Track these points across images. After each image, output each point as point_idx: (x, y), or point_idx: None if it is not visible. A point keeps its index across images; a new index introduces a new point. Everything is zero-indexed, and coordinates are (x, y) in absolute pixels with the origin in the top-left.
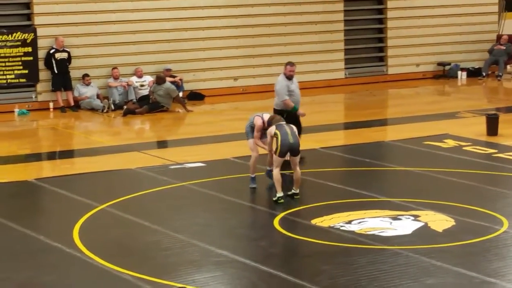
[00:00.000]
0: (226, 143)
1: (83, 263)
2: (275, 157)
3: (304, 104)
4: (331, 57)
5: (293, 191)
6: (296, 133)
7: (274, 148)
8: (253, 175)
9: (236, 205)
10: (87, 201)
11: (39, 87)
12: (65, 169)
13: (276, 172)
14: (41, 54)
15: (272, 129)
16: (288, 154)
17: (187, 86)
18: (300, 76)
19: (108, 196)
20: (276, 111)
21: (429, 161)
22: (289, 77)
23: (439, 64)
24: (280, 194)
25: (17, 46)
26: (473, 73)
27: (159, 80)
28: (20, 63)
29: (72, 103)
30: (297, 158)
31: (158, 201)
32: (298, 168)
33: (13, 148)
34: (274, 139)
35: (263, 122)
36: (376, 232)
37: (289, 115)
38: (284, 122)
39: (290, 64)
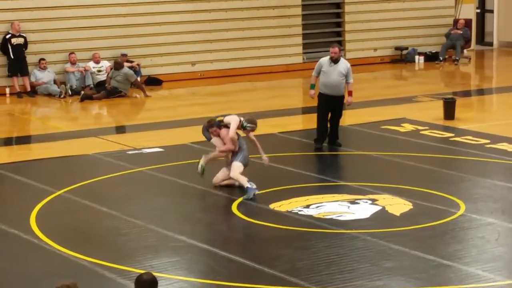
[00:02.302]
0: (184, 128)
1: (40, 249)
2: None
3: (262, 88)
4: (289, 41)
5: None
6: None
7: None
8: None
9: (194, 190)
10: (44, 187)
11: None
12: (22, 155)
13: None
14: None
15: None
16: None
17: (145, 71)
18: (257, 61)
19: (65, 181)
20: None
21: (387, 145)
22: (332, 59)
23: (397, 48)
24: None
25: None
26: (431, 58)
27: (117, 66)
28: None
29: (29, 89)
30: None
31: (115, 187)
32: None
33: None
34: None
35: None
36: (334, 216)
37: (333, 100)
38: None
39: (332, 46)
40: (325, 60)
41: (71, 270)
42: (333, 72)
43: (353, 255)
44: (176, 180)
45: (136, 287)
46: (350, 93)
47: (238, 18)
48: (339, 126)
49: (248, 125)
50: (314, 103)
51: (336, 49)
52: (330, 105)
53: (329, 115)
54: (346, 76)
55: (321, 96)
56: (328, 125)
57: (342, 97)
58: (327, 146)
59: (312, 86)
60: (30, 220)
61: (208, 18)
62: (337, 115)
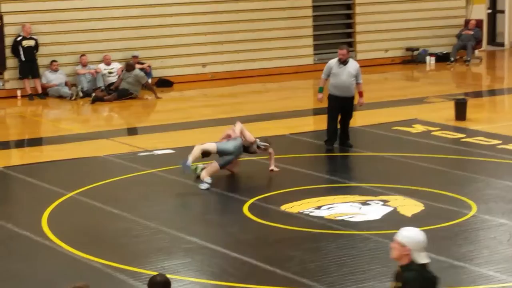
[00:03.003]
0: (195, 129)
1: (52, 251)
2: None
3: (273, 90)
4: (299, 43)
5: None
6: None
7: None
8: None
9: (205, 192)
10: (56, 189)
11: (6, 74)
12: (34, 157)
13: None
14: (8, 41)
15: None
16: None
17: (155, 73)
18: (268, 62)
19: (77, 183)
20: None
21: (398, 146)
22: (340, 60)
23: (408, 49)
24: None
25: None
26: (442, 58)
27: (129, 67)
28: None
29: (40, 91)
30: None
31: (127, 189)
32: None
33: None
34: None
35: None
36: (345, 218)
37: (343, 101)
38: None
39: (340, 47)
40: (334, 61)
41: (83, 272)
42: (343, 73)
43: (364, 257)
44: (187, 181)
45: None
46: (361, 94)
47: (249, 19)
48: (349, 127)
49: (262, 143)
50: (325, 104)
51: (344, 51)
52: (340, 106)
53: (339, 116)
54: (356, 76)
55: (331, 98)
56: (338, 126)
57: (352, 98)
58: (338, 147)
59: (321, 90)
60: (42, 222)
61: (218, 19)
62: (348, 116)
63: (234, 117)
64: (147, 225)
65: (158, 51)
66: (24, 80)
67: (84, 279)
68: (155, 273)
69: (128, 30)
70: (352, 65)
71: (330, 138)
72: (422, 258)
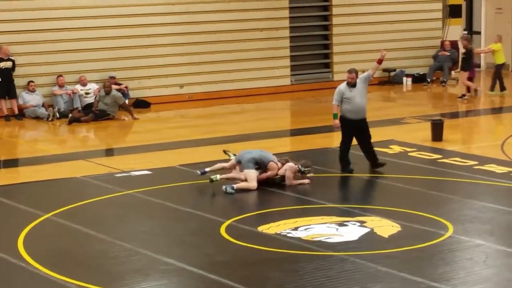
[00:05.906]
0: (172, 150)
1: (28, 273)
2: None
3: (250, 111)
4: (276, 63)
5: None
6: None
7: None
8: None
9: (182, 213)
10: (32, 211)
11: None
12: (10, 178)
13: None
14: None
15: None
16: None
17: (133, 94)
18: (245, 83)
19: (53, 205)
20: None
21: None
22: (349, 84)
23: (384, 70)
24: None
25: None
26: (418, 79)
27: (106, 89)
28: None
29: (17, 112)
30: None
31: (104, 210)
32: None
33: None
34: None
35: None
36: (322, 239)
37: (358, 124)
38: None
39: (349, 71)
40: (343, 86)
41: None
42: (355, 96)
43: (341, 278)
44: (164, 203)
45: None
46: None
47: (226, 40)
48: (373, 147)
49: (304, 169)
50: (303, 125)
51: (353, 74)
52: (355, 129)
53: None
54: (366, 79)
55: (347, 123)
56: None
57: (365, 119)
58: (316, 168)
59: (336, 116)
60: (18, 244)
61: (196, 40)
62: (367, 137)
63: (211, 138)
64: (123, 247)
65: (135, 72)
66: (1, 101)
67: None
68: None
69: (105, 51)
70: (359, 85)
71: (346, 160)
72: None
